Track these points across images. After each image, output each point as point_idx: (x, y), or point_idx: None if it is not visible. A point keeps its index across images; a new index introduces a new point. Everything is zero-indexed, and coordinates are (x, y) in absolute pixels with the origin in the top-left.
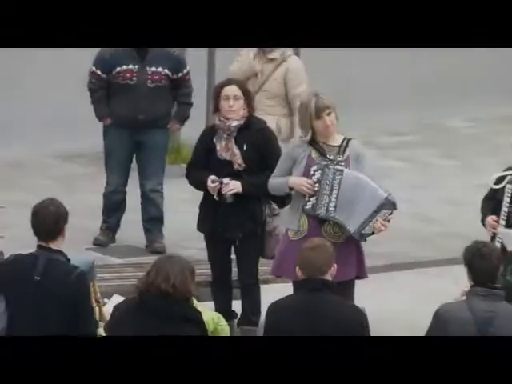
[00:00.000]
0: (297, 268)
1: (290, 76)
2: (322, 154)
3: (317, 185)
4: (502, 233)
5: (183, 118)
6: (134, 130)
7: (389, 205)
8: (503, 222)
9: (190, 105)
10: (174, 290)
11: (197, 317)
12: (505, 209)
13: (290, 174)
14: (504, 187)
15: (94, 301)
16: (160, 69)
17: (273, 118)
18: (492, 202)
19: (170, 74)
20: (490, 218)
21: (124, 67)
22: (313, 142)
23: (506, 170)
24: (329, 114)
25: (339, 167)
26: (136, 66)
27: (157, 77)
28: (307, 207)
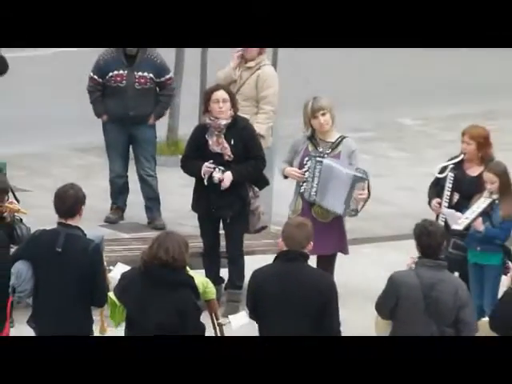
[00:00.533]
0: (279, 240)
1: (260, 81)
2: (316, 148)
3: (307, 173)
4: (446, 212)
5: (159, 115)
6: (126, 125)
7: (359, 179)
8: (446, 204)
9: (168, 106)
10: (172, 261)
11: (191, 282)
12: (447, 193)
13: (293, 161)
14: (446, 176)
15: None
16: (145, 74)
17: (246, 116)
18: (436, 188)
19: (154, 78)
20: (435, 201)
21: (115, 72)
22: (312, 138)
23: (449, 160)
24: (323, 114)
25: (319, 159)
26: (125, 72)
27: (143, 80)
28: (301, 191)
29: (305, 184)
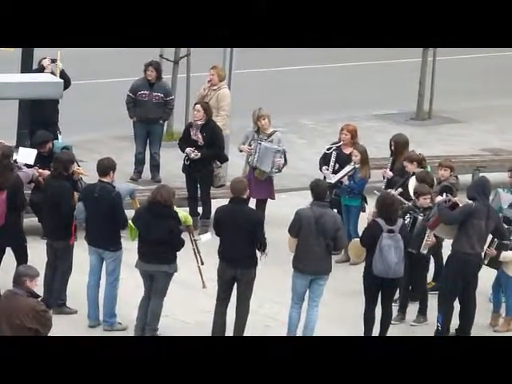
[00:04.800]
0: (230, 191)
1: (219, 98)
2: (259, 136)
3: (253, 150)
4: (325, 173)
5: (165, 119)
6: (147, 124)
7: (277, 151)
8: (331, 170)
9: (170, 114)
10: (164, 201)
11: (176, 215)
12: (331, 163)
13: (245, 144)
14: (331, 153)
15: (136, 207)
16: (159, 94)
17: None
18: (324, 160)
19: (163, 97)
20: (324, 168)
21: (142, 91)
22: (257, 131)
23: (332, 144)
24: (264, 119)
25: (260, 141)
26: (147, 92)
27: (157, 97)
28: (249, 161)
29: (250, 157)
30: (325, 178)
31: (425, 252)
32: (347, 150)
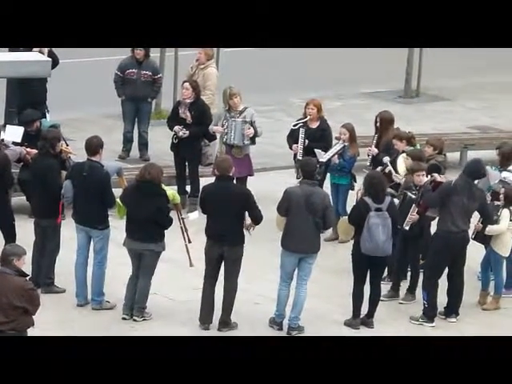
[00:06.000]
0: (215, 169)
1: (205, 77)
2: (230, 114)
3: (226, 129)
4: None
5: (153, 97)
6: (135, 102)
7: (244, 122)
8: (301, 146)
9: (158, 92)
10: (152, 179)
11: (164, 193)
12: (301, 140)
13: (217, 124)
14: (299, 129)
15: (123, 185)
16: (147, 72)
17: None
18: (292, 138)
19: (152, 75)
20: (295, 145)
21: (130, 70)
22: (228, 109)
23: (298, 120)
24: (235, 97)
25: (234, 119)
26: (136, 70)
27: (146, 75)
28: (224, 140)
29: (225, 136)
30: (295, 156)
31: (407, 228)
32: (314, 125)
